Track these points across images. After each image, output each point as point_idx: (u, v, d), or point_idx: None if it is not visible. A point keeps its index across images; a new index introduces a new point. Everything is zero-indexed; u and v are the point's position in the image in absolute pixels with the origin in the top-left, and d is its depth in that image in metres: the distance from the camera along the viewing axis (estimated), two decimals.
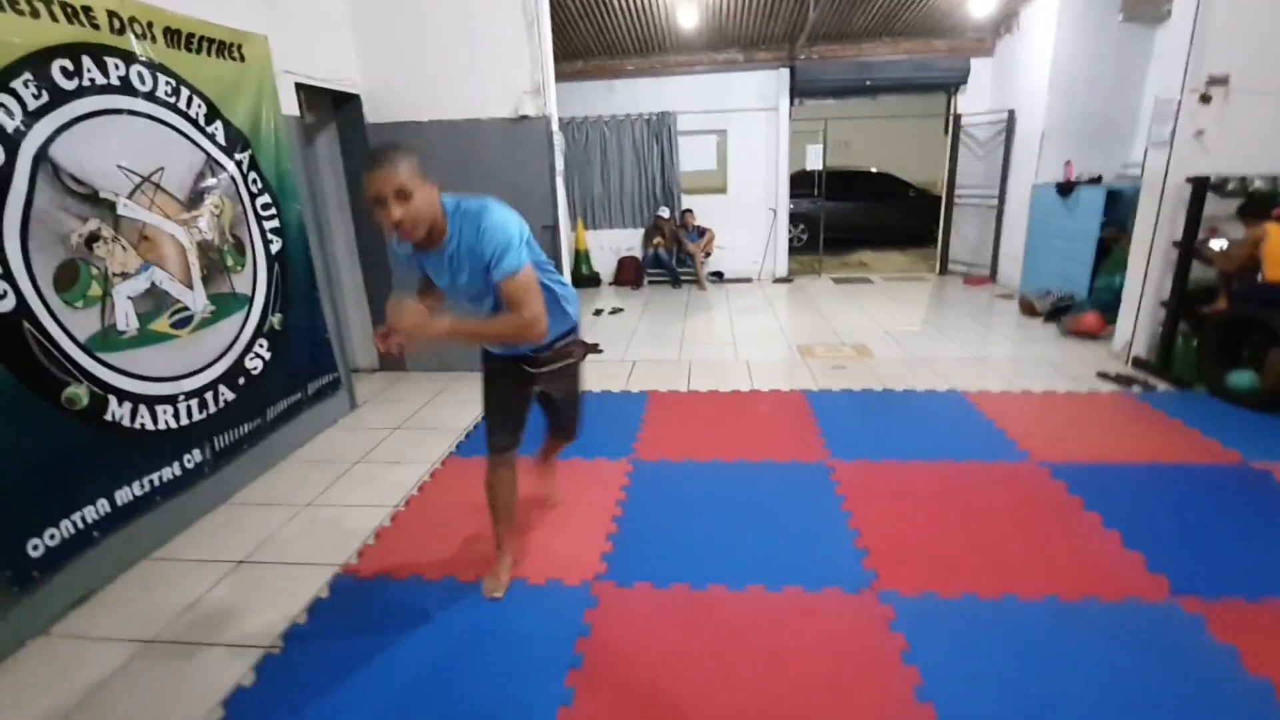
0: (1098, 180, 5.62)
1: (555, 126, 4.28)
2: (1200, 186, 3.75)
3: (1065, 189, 5.70)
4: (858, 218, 10.00)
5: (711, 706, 1.71)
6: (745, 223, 7.93)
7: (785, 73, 7.25)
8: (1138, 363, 4.24)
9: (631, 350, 5.10)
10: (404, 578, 2.32)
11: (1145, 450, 3.04)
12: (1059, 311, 5.45)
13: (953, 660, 1.81)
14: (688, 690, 1.77)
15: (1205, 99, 3.79)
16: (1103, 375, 4.12)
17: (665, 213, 7.73)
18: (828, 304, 6.44)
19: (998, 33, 6.81)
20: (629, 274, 8.00)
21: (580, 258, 7.93)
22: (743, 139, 7.67)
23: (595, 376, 4.45)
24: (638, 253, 8.06)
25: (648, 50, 7.34)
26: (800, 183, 8.59)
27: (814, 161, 7.72)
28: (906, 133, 11.52)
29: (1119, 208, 5.25)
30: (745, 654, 1.88)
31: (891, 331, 5.30)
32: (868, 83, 7.18)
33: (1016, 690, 1.72)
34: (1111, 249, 5.28)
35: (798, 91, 7.31)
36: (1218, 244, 3.78)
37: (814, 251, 8.69)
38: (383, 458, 3.34)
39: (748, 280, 7.98)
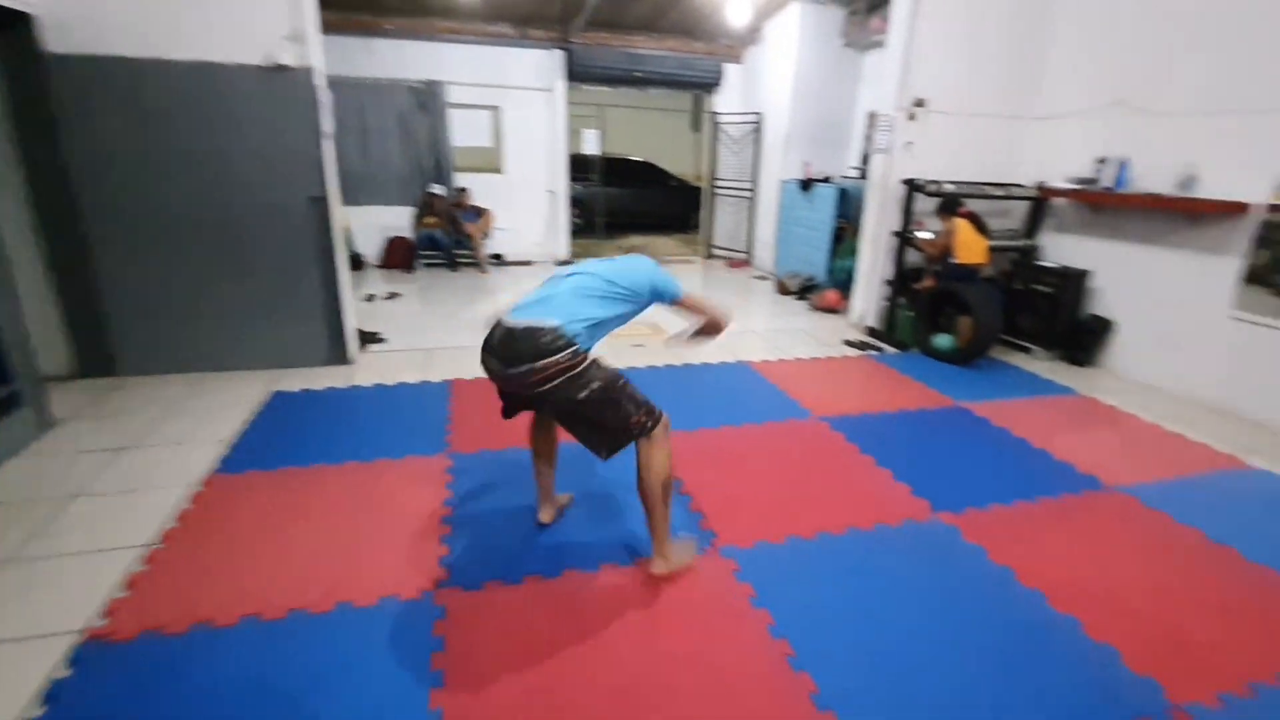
0: (828, 179, 6.63)
1: (322, 81, 3.71)
2: (910, 187, 4.63)
3: (806, 185, 6.62)
4: (626, 203, 10.45)
5: (592, 692, 1.67)
6: (525, 204, 7.78)
7: (561, 55, 7.23)
8: (870, 331, 5.12)
9: (422, 338, 4.70)
10: (183, 630, 1.84)
11: (891, 401, 3.71)
12: (807, 290, 6.34)
13: (793, 596, 2.04)
14: (565, 681, 1.70)
15: (912, 116, 4.68)
16: (847, 342, 4.90)
17: (438, 190, 7.24)
18: None
19: (746, 42, 7.60)
20: (399, 256, 7.34)
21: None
22: (519, 118, 7.49)
23: (387, 368, 4.01)
24: (408, 233, 7.43)
25: (412, 10, 6.74)
26: (576, 167, 8.70)
27: (590, 146, 7.85)
28: (665, 126, 12.33)
29: (847, 203, 6.26)
30: (614, 633, 1.87)
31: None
32: (637, 74, 7.50)
33: (847, 608, 2.01)
34: (843, 237, 6.28)
35: (574, 75, 7.35)
36: (923, 234, 4.71)
37: (590, 235, 8.88)
38: (112, 487, 2.61)
39: (529, 263, 7.87)
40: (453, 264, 7.34)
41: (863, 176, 6.67)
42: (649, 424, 1.94)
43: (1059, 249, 4.77)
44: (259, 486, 2.60)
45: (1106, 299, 4.45)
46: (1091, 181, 4.41)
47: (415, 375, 3.91)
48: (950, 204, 4.45)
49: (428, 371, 3.99)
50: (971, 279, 4.36)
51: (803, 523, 2.44)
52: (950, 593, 2.11)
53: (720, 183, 8.15)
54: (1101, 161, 4.36)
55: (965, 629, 1.94)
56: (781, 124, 7.06)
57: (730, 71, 7.79)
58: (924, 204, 4.71)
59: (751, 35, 7.43)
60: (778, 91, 7.04)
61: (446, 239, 7.25)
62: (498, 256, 7.79)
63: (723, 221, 8.31)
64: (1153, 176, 4.07)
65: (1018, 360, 4.60)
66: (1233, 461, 3.14)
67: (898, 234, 4.82)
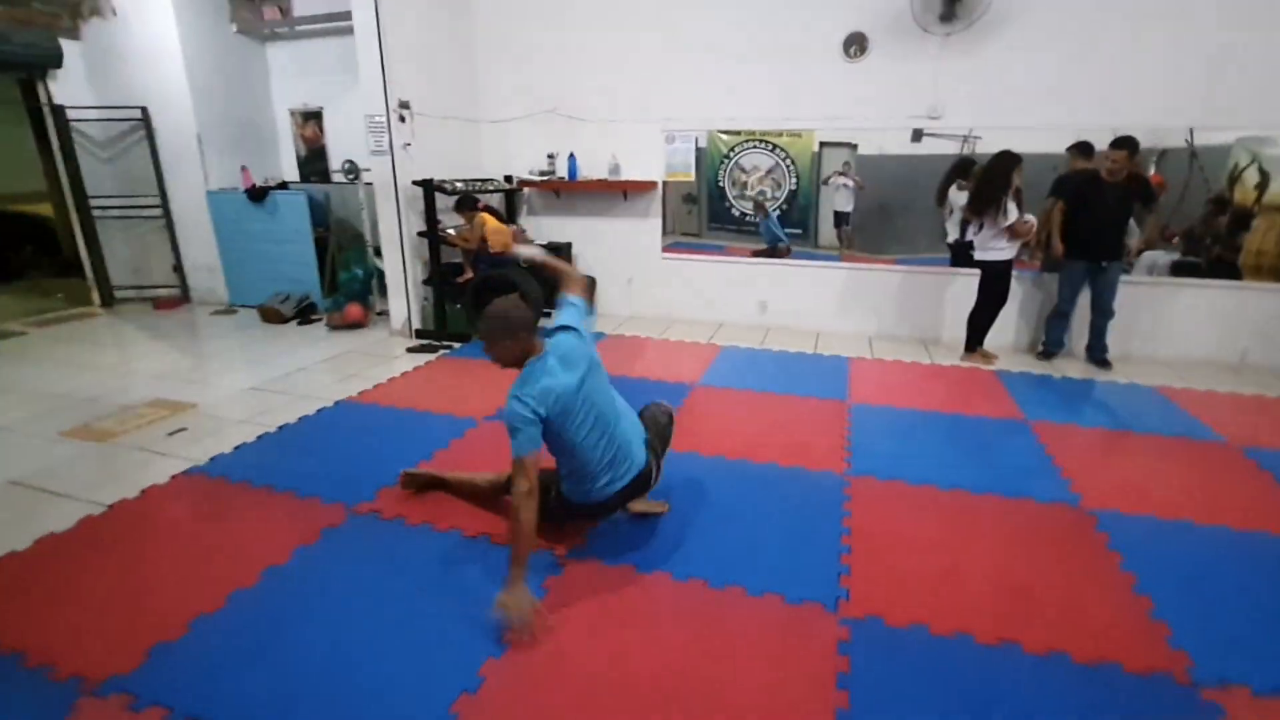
0: (285, 186, 5.89)
1: None
2: (428, 187, 4.77)
3: (257, 195, 5.70)
4: None
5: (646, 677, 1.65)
6: None
7: None
8: (420, 333, 5.12)
9: None
10: None
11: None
12: (304, 311, 5.65)
13: None
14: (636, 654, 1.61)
15: (402, 118, 4.74)
16: (411, 350, 4.81)
17: None
18: (17, 373, 4.28)
19: (81, 14, 5.63)
20: None
21: None
22: None
23: None
24: None
25: None
26: None
27: None
28: None
29: (318, 210, 5.77)
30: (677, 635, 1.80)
31: (172, 379, 4.21)
32: None
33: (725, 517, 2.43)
34: (328, 247, 5.81)
35: None
36: (451, 231, 4.97)
37: None
38: None
39: None
40: None
41: (325, 180, 6.26)
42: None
43: (538, 228, 5.84)
44: None
45: (585, 262, 5.81)
46: (550, 173, 5.56)
47: None
48: (470, 200, 4.84)
49: None
50: (506, 264, 4.94)
51: None
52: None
53: (100, 202, 6.01)
54: (551, 157, 5.54)
55: None
56: (185, 123, 5.73)
57: (72, 51, 5.66)
58: (445, 201, 4.94)
59: (92, 5, 5.57)
60: (167, 82, 5.63)
61: None
62: None
63: (120, 254, 6.21)
64: (593, 166, 5.47)
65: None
66: (715, 347, 4.88)
67: (425, 234, 4.91)
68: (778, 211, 5.35)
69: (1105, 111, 4.37)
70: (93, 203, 5.95)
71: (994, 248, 4.29)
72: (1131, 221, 4.39)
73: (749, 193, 5.36)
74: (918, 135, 4.87)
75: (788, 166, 5.23)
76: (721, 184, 5.40)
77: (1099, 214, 4.19)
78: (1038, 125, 4.51)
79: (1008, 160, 4.11)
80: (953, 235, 4.93)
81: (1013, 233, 4.24)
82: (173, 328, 5.51)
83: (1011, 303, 4.74)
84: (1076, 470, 2.98)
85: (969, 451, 3.23)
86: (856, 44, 4.78)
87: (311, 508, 2.58)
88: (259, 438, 3.25)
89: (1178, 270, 4.63)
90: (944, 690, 1.74)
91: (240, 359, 4.63)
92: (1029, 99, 4.51)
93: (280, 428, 3.36)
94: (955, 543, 2.43)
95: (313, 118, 6.33)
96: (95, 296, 6.18)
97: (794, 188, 5.27)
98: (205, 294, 6.27)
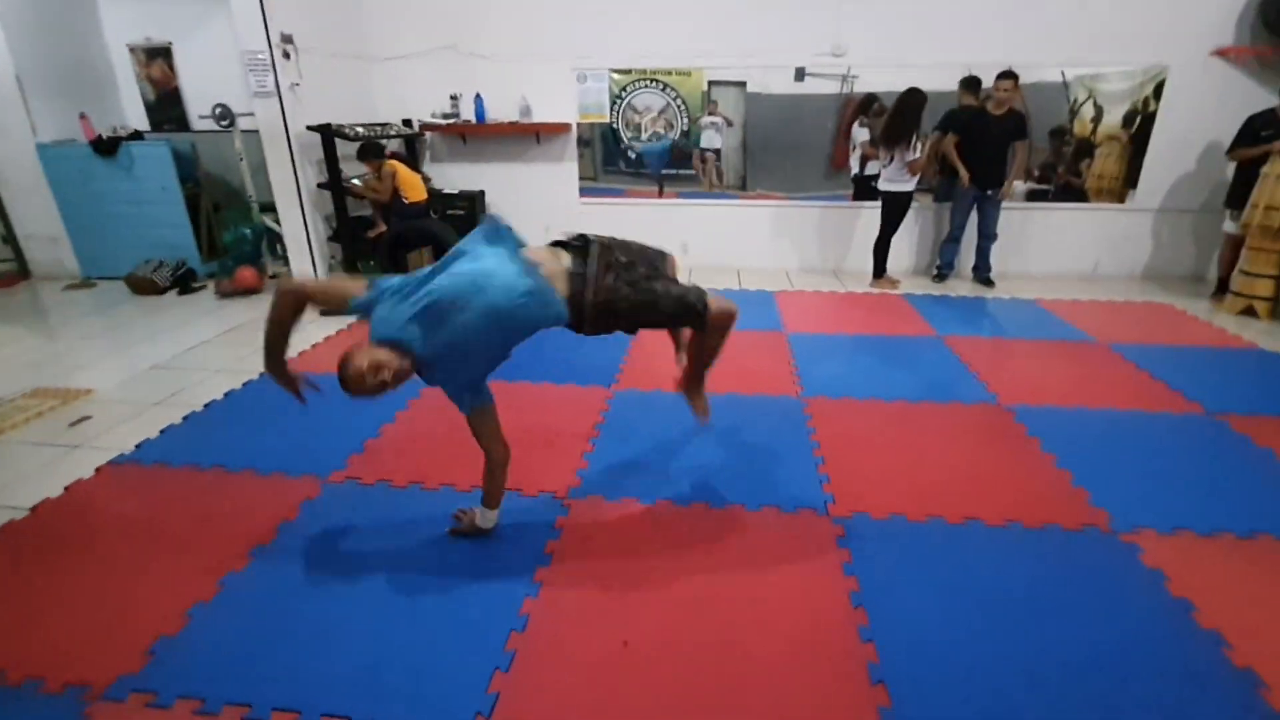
0: (139, 135, 5.11)
1: None
2: (326, 133, 4.35)
3: (106, 147, 4.92)
4: None
5: (666, 602, 1.82)
6: None
7: None
8: None
9: None
10: None
11: None
12: (183, 279, 5.04)
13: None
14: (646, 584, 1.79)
15: (286, 55, 4.25)
16: (325, 313, 4.46)
17: None
18: None
19: None
20: None
21: None
22: None
23: None
24: None
25: None
26: None
27: None
28: None
29: (184, 162, 5.10)
30: (702, 558, 1.91)
31: (49, 365, 3.66)
32: None
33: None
34: (200, 205, 5.18)
35: None
36: (358, 180, 4.59)
37: None
38: None
39: None
40: None
41: (183, 128, 5.52)
42: None
43: (444, 176, 5.52)
44: None
45: (499, 210, 5.59)
46: (455, 116, 5.24)
47: None
48: (375, 148, 4.49)
49: None
50: (423, 215, 4.67)
51: None
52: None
53: None
54: (455, 98, 5.22)
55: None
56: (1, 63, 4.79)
57: None
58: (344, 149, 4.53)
59: None
60: None
61: None
62: None
63: None
64: (501, 109, 5.22)
65: None
66: None
67: (326, 185, 4.51)
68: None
69: (979, 50, 4.79)
70: None
71: (900, 180, 4.64)
72: None
73: (644, 135, 5.36)
74: (800, 74, 5.08)
75: (679, 106, 5.27)
76: (615, 125, 5.35)
77: (985, 146, 4.64)
78: (924, 64, 4.86)
79: (918, 98, 4.43)
80: (855, 169, 5.25)
81: (912, 167, 4.60)
82: (19, 308, 4.73)
83: (907, 232, 5.18)
84: (988, 375, 3.41)
85: (899, 366, 3.58)
86: None
87: (280, 483, 2.42)
88: (185, 419, 2.94)
89: (1032, 197, 5.25)
90: (932, 565, 2.01)
91: (125, 337, 4.08)
92: (915, 38, 4.83)
93: (206, 405, 3.06)
94: (908, 444, 2.73)
95: (159, 55, 5.49)
96: None
97: (685, 128, 5.33)
98: (50, 267, 5.39)
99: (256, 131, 4.43)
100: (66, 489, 2.40)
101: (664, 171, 5.42)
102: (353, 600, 1.87)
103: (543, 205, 5.54)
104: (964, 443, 2.75)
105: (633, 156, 5.40)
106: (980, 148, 4.64)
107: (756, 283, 5.17)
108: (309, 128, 4.35)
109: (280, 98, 4.24)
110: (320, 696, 1.55)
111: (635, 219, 5.56)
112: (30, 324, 4.40)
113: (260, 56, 4.16)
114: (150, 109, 5.64)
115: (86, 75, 5.30)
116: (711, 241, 5.55)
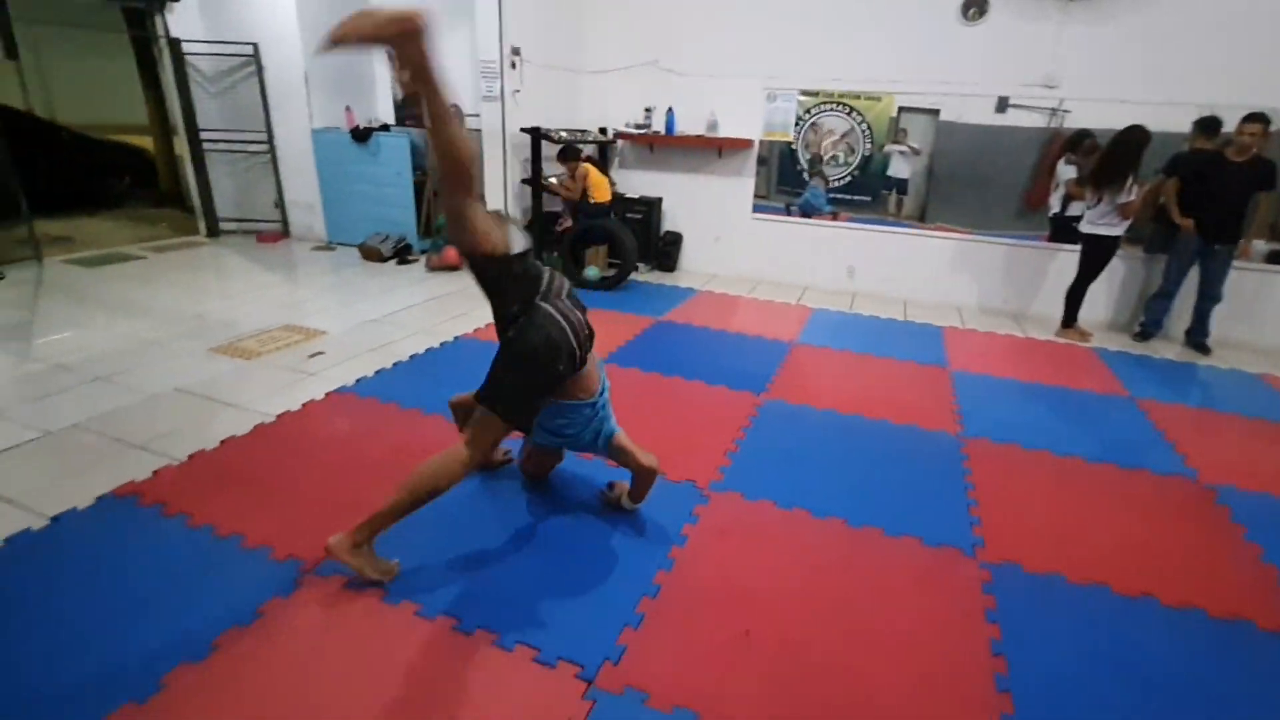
0: (387, 128, 6.05)
1: None
2: (535, 135, 4.87)
3: (361, 136, 5.87)
4: None
5: (801, 620, 1.82)
6: None
7: None
8: None
9: None
10: None
11: (622, 332, 4.15)
12: (403, 252, 5.86)
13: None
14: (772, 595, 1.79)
15: (514, 65, 4.82)
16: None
17: None
18: (152, 293, 4.59)
19: None
20: None
21: None
22: None
23: None
24: None
25: None
26: None
27: None
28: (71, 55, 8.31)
29: (417, 154, 5.93)
30: (836, 582, 1.96)
31: (297, 307, 4.47)
32: None
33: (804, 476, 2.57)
34: (424, 190, 5.98)
35: None
36: (554, 180, 5.08)
37: None
38: None
39: None
40: None
41: (419, 124, 6.40)
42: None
43: (627, 181, 5.91)
44: None
45: (673, 217, 5.88)
46: (646, 126, 5.60)
47: None
48: (574, 151, 4.93)
49: None
50: (606, 215, 5.05)
51: None
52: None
53: (208, 135, 6.26)
54: (649, 110, 5.57)
55: None
56: (293, 61, 5.90)
57: None
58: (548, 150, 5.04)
59: None
60: (277, 20, 5.79)
61: None
62: None
63: (225, 186, 6.49)
64: (690, 122, 5.49)
65: (640, 277, 5.63)
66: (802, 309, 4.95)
67: (528, 181, 5.04)
68: (838, 182, 5.33)
69: (1221, 90, 4.22)
70: (204, 137, 6.21)
71: (1108, 223, 4.24)
72: None
73: (824, 156, 5.33)
74: (1003, 104, 4.77)
75: (863, 131, 5.18)
76: (794, 146, 5.37)
77: (1219, 195, 4.09)
78: (1159, 101, 4.38)
79: (1140, 135, 4.03)
80: (1055, 209, 4.86)
81: (1124, 210, 4.17)
82: (279, 260, 5.79)
83: (1108, 281, 4.69)
84: (1189, 447, 3.03)
85: (1078, 423, 3.29)
86: (976, 6, 4.67)
87: None
88: (394, 365, 3.47)
89: (1273, 259, 4.50)
90: (1089, 632, 1.87)
91: (351, 293, 4.86)
92: (1147, 74, 4.37)
93: (411, 357, 3.58)
94: (1078, 503, 2.53)
95: None
96: (202, 227, 6.49)
97: (867, 154, 5.22)
98: (304, 230, 6.53)
99: (478, 130, 5.06)
100: (303, 405, 2.96)
101: (837, 197, 5.38)
102: (523, 539, 2.15)
103: (716, 217, 5.73)
104: (1147, 514, 2.49)
105: (792, 209, 5.48)
106: (1214, 197, 4.10)
107: (923, 316, 4.96)
108: (522, 129, 4.90)
109: (503, 102, 4.82)
110: (476, 610, 1.81)
111: (805, 237, 5.58)
112: (286, 274, 5.37)
113: (492, 65, 4.76)
114: (397, 107, 6.61)
115: (354, 75, 6.35)
116: (880, 268, 5.41)
